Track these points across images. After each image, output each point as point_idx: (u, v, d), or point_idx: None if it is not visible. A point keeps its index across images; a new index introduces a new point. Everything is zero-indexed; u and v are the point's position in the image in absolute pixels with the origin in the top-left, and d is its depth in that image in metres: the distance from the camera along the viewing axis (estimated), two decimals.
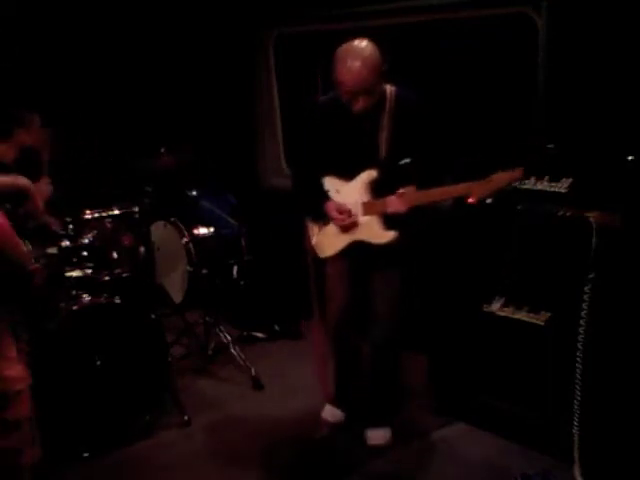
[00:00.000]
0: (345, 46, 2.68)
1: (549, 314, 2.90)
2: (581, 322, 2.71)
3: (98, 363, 3.17)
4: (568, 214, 2.78)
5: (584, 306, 2.69)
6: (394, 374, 3.19)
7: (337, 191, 2.93)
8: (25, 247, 2.73)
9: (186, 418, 3.44)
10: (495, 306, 3.09)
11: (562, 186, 2.83)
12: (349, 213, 2.87)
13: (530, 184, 2.93)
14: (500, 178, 2.59)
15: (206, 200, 4.29)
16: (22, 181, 2.68)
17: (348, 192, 2.90)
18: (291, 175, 3.28)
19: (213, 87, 4.94)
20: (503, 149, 3.16)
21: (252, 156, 5.16)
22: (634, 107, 3.00)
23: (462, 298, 3.23)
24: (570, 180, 2.81)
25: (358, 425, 3.21)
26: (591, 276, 2.68)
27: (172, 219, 4.24)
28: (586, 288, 2.68)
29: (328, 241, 3.01)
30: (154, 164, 3.91)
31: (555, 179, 2.85)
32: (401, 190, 2.74)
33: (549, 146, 2.99)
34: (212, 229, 4.24)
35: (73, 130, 4.37)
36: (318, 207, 2.94)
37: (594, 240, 2.66)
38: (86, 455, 3.14)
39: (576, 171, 2.80)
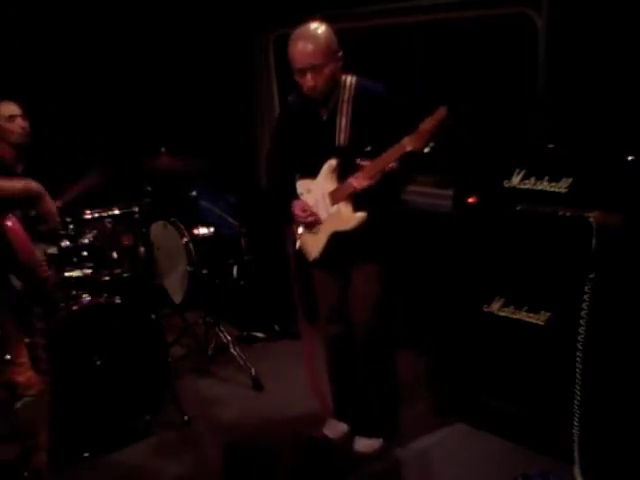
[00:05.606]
0: (298, 28, 2.74)
1: (549, 314, 2.90)
2: (581, 322, 2.71)
3: (98, 363, 3.17)
4: (568, 214, 2.78)
5: (584, 306, 2.69)
6: (386, 380, 3.07)
7: (308, 190, 2.91)
8: (38, 253, 2.73)
9: (186, 418, 3.43)
10: (495, 306, 3.09)
11: (562, 186, 2.83)
12: (310, 210, 2.86)
13: (530, 184, 2.93)
14: (427, 124, 2.56)
15: (206, 200, 4.29)
16: (33, 185, 2.67)
17: (316, 188, 2.88)
18: (265, 178, 3.23)
19: (213, 88, 4.94)
20: (502, 149, 3.16)
21: (252, 156, 5.16)
22: (634, 107, 3.00)
23: (462, 298, 3.22)
24: (570, 180, 2.80)
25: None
26: (591, 276, 2.68)
27: (172, 219, 4.23)
28: (586, 288, 2.68)
29: (310, 243, 2.96)
30: (154, 164, 3.91)
31: (555, 179, 2.85)
32: (361, 162, 2.69)
33: (549, 146, 2.99)
34: (212, 229, 4.23)
35: (73, 131, 4.38)
36: (289, 209, 2.93)
37: (594, 240, 2.66)
38: (86, 455, 3.14)
39: (576, 171, 2.79)
